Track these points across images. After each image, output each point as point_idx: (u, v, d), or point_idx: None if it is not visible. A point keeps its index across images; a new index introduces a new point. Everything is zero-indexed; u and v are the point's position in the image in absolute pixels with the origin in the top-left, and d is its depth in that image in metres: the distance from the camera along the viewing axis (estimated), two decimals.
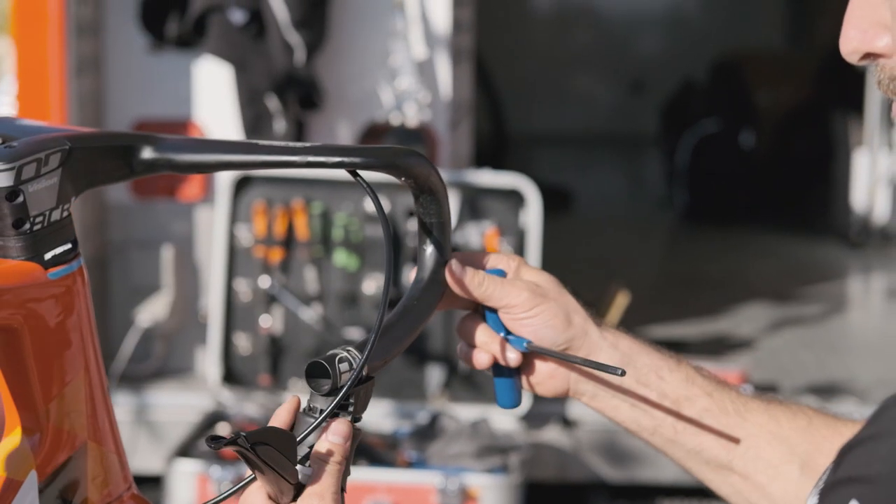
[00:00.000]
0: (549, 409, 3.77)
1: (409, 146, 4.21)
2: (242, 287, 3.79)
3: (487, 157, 5.75)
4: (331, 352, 1.15)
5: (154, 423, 3.77)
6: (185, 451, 3.48)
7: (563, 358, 1.33)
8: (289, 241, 3.79)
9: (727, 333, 4.75)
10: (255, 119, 3.82)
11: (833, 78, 6.71)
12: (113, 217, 3.98)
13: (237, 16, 3.74)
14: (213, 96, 3.95)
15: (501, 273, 1.34)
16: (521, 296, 1.32)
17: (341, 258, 3.77)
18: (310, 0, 3.75)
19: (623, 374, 1.30)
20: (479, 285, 1.31)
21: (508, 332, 1.33)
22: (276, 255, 3.78)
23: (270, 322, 3.79)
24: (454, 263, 1.30)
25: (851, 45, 1.03)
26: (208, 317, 3.85)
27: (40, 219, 1.09)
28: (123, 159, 1.16)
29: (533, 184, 3.75)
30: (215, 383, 3.77)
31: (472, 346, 1.35)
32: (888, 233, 6.07)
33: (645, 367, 1.35)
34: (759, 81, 7.06)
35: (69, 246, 1.12)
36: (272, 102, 3.78)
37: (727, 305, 5.12)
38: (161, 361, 4.02)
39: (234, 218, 3.79)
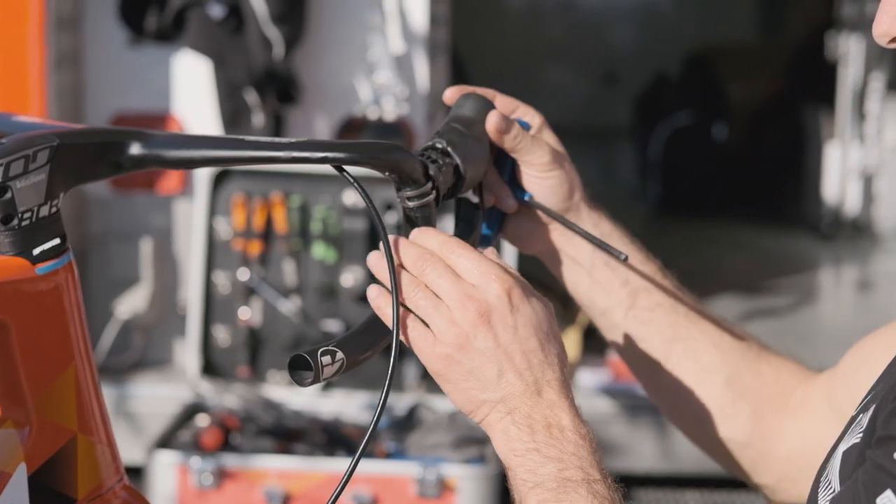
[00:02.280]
0: None
1: (387, 140, 4.22)
2: (221, 279, 3.82)
3: None
4: (315, 346, 1.18)
5: (133, 415, 3.80)
6: (165, 442, 3.50)
7: (567, 224, 1.40)
8: (267, 234, 3.81)
9: None
10: (233, 113, 3.84)
11: (804, 71, 6.77)
12: (92, 209, 4.00)
13: (216, 10, 3.76)
14: (191, 90, 3.97)
15: (526, 126, 1.41)
16: (545, 156, 1.38)
17: (319, 251, 3.80)
18: None
19: (626, 259, 1.38)
20: (513, 137, 1.37)
21: (512, 182, 1.39)
22: (255, 248, 3.80)
23: (249, 314, 3.82)
24: (498, 113, 1.36)
25: (882, 28, 1.10)
26: (187, 309, 3.87)
27: (28, 214, 1.11)
28: (112, 155, 1.17)
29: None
30: (194, 375, 3.79)
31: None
32: (859, 225, 6.13)
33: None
34: (732, 74, 7.10)
35: (58, 241, 1.14)
36: (251, 96, 3.80)
37: (699, 296, 5.16)
38: (140, 353, 4.04)
39: (213, 211, 3.81)
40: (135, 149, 1.18)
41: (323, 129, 3.98)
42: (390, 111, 3.89)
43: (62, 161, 1.13)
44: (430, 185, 1.25)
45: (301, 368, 1.17)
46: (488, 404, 1.19)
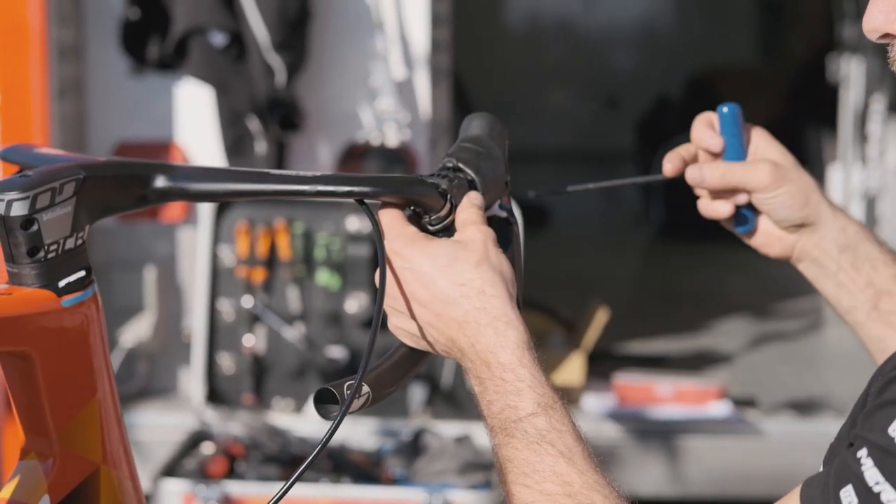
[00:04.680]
0: None
1: (389, 166, 4.18)
2: (225, 307, 3.81)
3: None
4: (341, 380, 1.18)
5: (139, 443, 3.78)
6: (171, 470, 3.49)
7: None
8: (271, 261, 3.81)
9: (705, 348, 4.79)
10: (236, 141, 3.84)
11: (806, 93, 6.78)
12: (95, 238, 3.99)
13: (218, 38, 3.76)
14: (194, 118, 3.97)
15: (738, 150, 1.46)
16: (764, 179, 1.43)
17: (323, 277, 3.79)
18: (290, 22, 3.78)
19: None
20: (721, 177, 1.43)
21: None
22: (259, 275, 3.80)
23: (253, 341, 3.81)
24: (694, 167, 1.44)
25: (874, 24, 1.12)
26: (192, 337, 3.87)
27: (55, 247, 1.11)
28: (137, 188, 1.18)
29: (514, 202, 3.78)
30: (199, 403, 3.78)
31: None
32: None
33: (863, 254, 1.46)
34: (733, 97, 7.09)
35: (83, 273, 1.14)
36: (253, 124, 3.80)
37: (705, 321, 5.16)
38: (145, 381, 4.03)
39: (217, 238, 3.80)
40: (160, 181, 1.18)
41: (325, 155, 3.98)
42: (393, 137, 3.89)
43: (88, 193, 1.13)
44: (448, 207, 1.25)
45: (327, 402, 1.17)
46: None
